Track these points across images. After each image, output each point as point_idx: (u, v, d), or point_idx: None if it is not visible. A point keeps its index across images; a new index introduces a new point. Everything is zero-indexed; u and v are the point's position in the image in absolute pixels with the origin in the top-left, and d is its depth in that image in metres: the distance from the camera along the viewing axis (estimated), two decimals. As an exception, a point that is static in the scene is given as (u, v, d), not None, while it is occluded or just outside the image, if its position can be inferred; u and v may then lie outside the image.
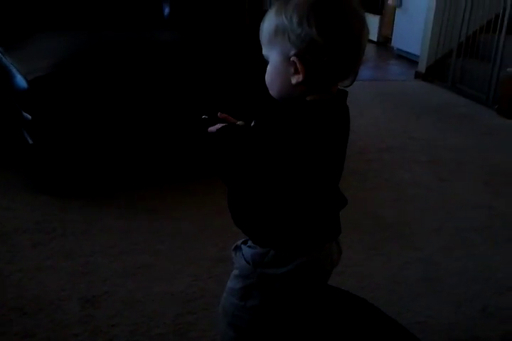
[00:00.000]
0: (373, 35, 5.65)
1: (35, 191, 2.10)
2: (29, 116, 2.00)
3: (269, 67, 0.92)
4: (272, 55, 0.90)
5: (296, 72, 0.87)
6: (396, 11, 5.22)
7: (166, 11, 3.00)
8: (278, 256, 0.96)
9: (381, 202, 2.21)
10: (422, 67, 4.33)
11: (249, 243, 1.00)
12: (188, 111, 2.21)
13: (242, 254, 1.00)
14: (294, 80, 0.88)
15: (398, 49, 5.18)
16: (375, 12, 5.64)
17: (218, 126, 0.99)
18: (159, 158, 2.25)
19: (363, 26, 0.88)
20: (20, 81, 2.00)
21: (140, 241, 1.81)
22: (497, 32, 3.60)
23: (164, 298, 1.52)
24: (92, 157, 2.13)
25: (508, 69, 3.40)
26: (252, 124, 0.97)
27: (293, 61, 0.87)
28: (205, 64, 2.27)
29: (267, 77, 0.93)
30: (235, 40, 2.83)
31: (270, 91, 0.94)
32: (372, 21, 5.67)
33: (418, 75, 4.34)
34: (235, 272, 1.02)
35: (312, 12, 0.84)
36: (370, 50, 5.47)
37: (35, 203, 2.03)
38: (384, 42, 5.59)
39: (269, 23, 0.89)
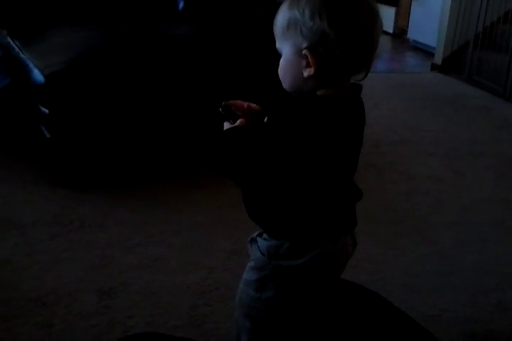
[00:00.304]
0: (389, 27, 5.61)
1: (52, 184, 2.12)
2: (46, 111, 2.02)
3: (282, 61, 0.93)
4: (285, 49, 0.91)
5: (308, 65, 0.88)
6: (412, 3, 5.17)
7: (181, 4, 3.00)
8: (293, 249, 0.97)
9: (396, 195, 2.21)
10: (438, 59, 4.30)
11: (265, 235, 1.01)
12: (204, 104, 2.22)
13: (258, 246, 1.01)
14: (305, 73, 0.88)
15: (414, 40, 5.14)
16: (391, 3, 5.59)
17: (225, 126, 0.99)
18: (174, 151, 2.27)
19: (375, 19, 0.88)
20: (38, 75, 2.02)
21: (155, 234, 1.83)
22: (515, 23, 3.56)
23: (180, 290, 1.54)
24: (109, 151, 2.15)
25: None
26: (265, 120, 0.97)
27: (305, 54, 0.87)
28: (220, 58, 2.27)
29: (280, 70, 0.94)
30: (250, 34, 2.83)
31: (283, 85, 0.95)
32: (388, 13, 5.62)
33: (434, 67, 4.30)
34: (251, 264, 1.03)
35: (324, 5, 0.85)
36: (385, 42, 5.43)
37: (52, 196, 2.06)
38: (400, 33, 5.54)
39: (282, 17, 0.90)
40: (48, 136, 2.05)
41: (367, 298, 1.35)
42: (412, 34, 5.17)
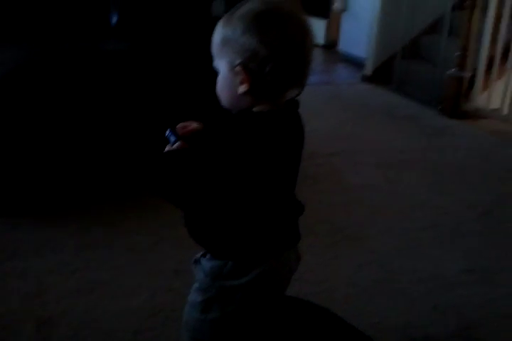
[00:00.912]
0: (320, 39, 5.74)
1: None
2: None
3: (219, 78, 0.94)
4: (221, 66, 0.92)
5: (242, 81, 0.89)
6: (342, 15, 5.32)
7: (114, 19, 2.96)
8: (236, 268, 0.97)
9: (333, 205, 2.26)
10: (368, 70, 4.43)
11: (208, 256, 1.01)
12: (140, 122, 2.21)
13: (202, 267, 1.01)
14: (240, 90, 0.90)
15: (345, 52, 5.28)
16: (321, 15, 5.73)
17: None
18: (109, 173, 2.23)
19: (306, 34, 0.91)
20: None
21: (95, 258, 1.79)
22: (439, 34, 3.72)
23: (123, 314, 1.51)
24: (41, 174, 2.09)
25: (449, 71, 3.51)
26: (198, 140, 0.97)
27: (238, 71, 0.88)
28: (155, 74, 2.26)
29: (218, 88, 0.95)
30: (185, 48, 2.83)
31: (221, 102, 0.96)
32: (319, 25, 5.75)
33: (365, 78, 4.43)
34: (195, 285, 1.03)
35: (255, 22, 0.87)
36: (317, 54, 5.54)
37: (-17, 223, 1.98)
38: (331, 45, 5.68)
39: (217, 34, 0.91)
40: (-24, 160, 1.98)
41: (315, 314, 1.37)
42: (343, 46, 5.31)
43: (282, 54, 0.88)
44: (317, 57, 5.45)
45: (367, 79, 4.40)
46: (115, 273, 1.71)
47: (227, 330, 1.02)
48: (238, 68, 0.88)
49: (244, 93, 0.90)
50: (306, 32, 0.91)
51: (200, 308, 1.01)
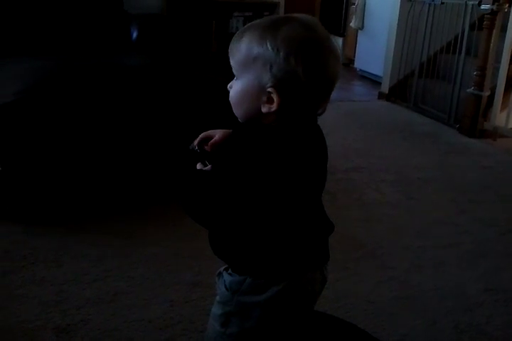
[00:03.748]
0: (336, 57, 5.77)
1: (4, 218, 2.06)
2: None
3: (238, 86, 0.92)
4: (245, 78, 0.90)
5: (269, 101, 0.88)
6: (358, 33, 5.36)
7: (134, 35, 3.01)
8: (254, 284, 0.96)
9: (352, 221, 2.25)
10: (384, 88, 4.44)
11: (230, 270, 1.00)
12: (160, 135, 2.22)
13: (224, 281, 1.00)
14: (265, 109, 0.89)
15: (361, 70, 5.30)
16: (338, 34, 5.78)
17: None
18: (130, 182, 2.24)
19: (339, 67, 0.92)
20: (-13, 107, 1.97)
21: (113, 268, 1.79)
22: (456, 53, 3.73)
23: (141, 325, 1.51)
24: (62, 183, 2.11)
25: (468, 90, 3.51)
26: (220, 158, 0.97)
27: (270, 91, 0.88)
28: (176, 88, 2.28)
29: (234, 96, 0.93)
30: (203, 62, 2.86)
31: (234, 110, 0.95)
32: (336, 43, 5.79)
33: (381, 96, 4.44)
34: (217, 298, 1.02)
35: (300, 50, 0.86)
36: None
37: (3, 231, 1.99)
38: (347, 63, 5.72)
39: (249, 47, 0.88)
40: (-1, 168, 2.00)
41: (339, 328, 1.35)
42: (359, 64, 5.34)
43: (319, 84, 0.89)
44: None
45: (383, 96, 4.42)
46: (134, 284, 1.70)
47: None
48: (271, 89, 0.87)
49: (269, 113, 0.89)
50: (339, 64, 0.93)
51: (219, 321, 1.00)
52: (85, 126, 2.08)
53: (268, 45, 0.86)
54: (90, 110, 2.09)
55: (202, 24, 3.97)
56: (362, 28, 5.26)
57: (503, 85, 3.45)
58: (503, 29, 3.40)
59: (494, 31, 3.37)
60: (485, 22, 3.41)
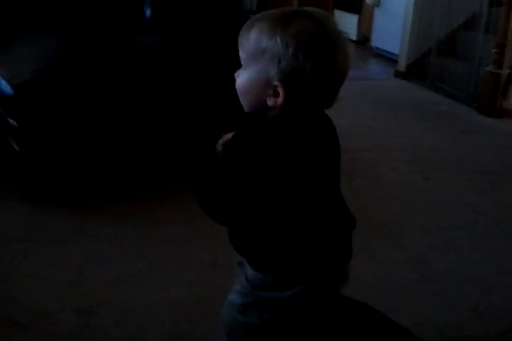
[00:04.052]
0: (352, 34, 5.68)
1: (23, 199, 2.07)
2: (15, 123, 1.98)
3: (244, 77, 0.92)
4: (252, 69, 0.90)
5: (275, 95, 0.88)
6: (375, 10, 5.26)
7: (148, 13, 2.98)
8: (277, 282, 0.95)
9: (368, 201, 2.24)
10: (401, 66, 4.38)
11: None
12: (175, 115, 2.21)
13: (246, 272, 0.99)
14: (270, 102, 0.89)
15: (377, 48, 5.22)
16: (353, 11, 5.68)
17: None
18: (147, 163, 2.24)
19: (349, 64, 0.91)
20: (5, 87, 1.97)
21: (131, 249, 1.80)
22: (475, 30, 3.66)
23: (160, 306, 1.52)
24: (80, 163, 2.11)
25: (487, 68, 3.45)
26: (221, 150, 0.97)
27: (276, 85, 0.87)
28: (190, 67, 2.26)
29: (240, 86, 0.93)
30: (217, 42, 2.83)
31: (240, 99, 0.94)
32: (351, 20, 5.70)
33: (398, 74, 4.38)
34: (236, 287, 1.01)
35: (310, 46, 0.85)
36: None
37: (24, 211, 2.00)
38: (363, 41, 5.63)
39: (258, 39, 0.88)
40: (17, 149, 2.00)
41: (354, 309, 1.35)
42: (376, 41, 5.25)
43: (327, 81, 0.88)
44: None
45: (400, 75, 4.35)
46: (152, 265, 1.72)
47: (262, 335, 1.01)
48: (277, 83, 0.87)
49: (274, 106, 0.89)
50: (349, 61, 0.91)
51: (238, 309, 1.01)
52: (101, 105, 2.07)
53: (278, 39, 0.85)
54: (105, 88, 2.08)
55: (216, 2, 3.92)
56: (378, 4, 5.15)
57: (523, 63, 3.38)
58: (524, 5, 3.31)
59: (514, 7, 3.28)
60: (505, -2, 3.33)
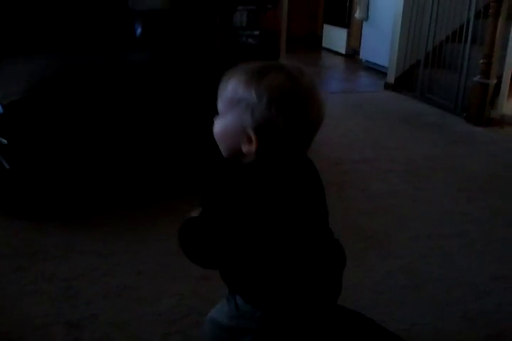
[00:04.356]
0: (342, 48, 5.75)
1: (13, 216, 2.08)
2: (5, 141, 1.99)
3: (221, 124, 0.96)
4: (228, 117, 0.94)
5: (249, 142, 0.92)
6: (363, 24, 5.33)
7: (138, 31, 3.01)
8: (266, 316, 0.97)
9: (359, 212, 2.25)
10: (390, 78, 4.42)
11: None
12: (166, 130, 2.23)
13: (236, 300, 1.00)
14: (244, 149, 0.93)
15: (366, 61, 5.28)
16: (342, 25, 5.76)
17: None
18: (137, 178, 2.25)
19: (323, 113, 0.95)
20: (-5, 106, 1.99)
21: (122, 263, 1.80)
22: (462, 42, 3.71)
23: (151, 318, 1.52)
24: (71, 180, 2.12)
25: (475, 79, 3.49)
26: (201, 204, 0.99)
27: (249, 133, 0.91)
28: (182, 83, 2.29)
29: (217, 133, 0.97)
30: (207, 58, 2.86)
31: (218, 145, 0.98)
32: (340, 34, 5.78)
33: (387, 86, 4.42)
34: (224, 308, 1.03)
35: (282, 100, 0.89)
36: (338, 63, 5.56)
37: (13, 228, 2.01)
38: (352, 54, 5.69)
39: (235, 89, 0.92)
40: (7, 166, 2.01)
41: (346, 317, 1.35)
42: (364, 54, 5.32)
43: (299, 130, 0.92)
44: (339, 65, 5.47)
45: (389, 86, 4.40)
46: (142, 278, 1.72)
47: None
48: (251, 131, 0.91)
49: (249, 152, 0.93)
50: (321, 107, 0.94)
51: (223, 329, 1.03)
52: (92, 123, 2.09)
53: (253, 91, 0.89)
54: (97, 106, 2.10)
55: (206, 19, 3.97)
56: (366, 18, 5.22)
57: (510, 73, 3.42)
58: (509, 16, 3.37)
59: (500, 19, 3.33)
60: (490, 10, 3.38)
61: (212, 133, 0.99)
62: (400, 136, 3.28)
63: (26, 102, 1.98)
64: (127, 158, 2.20)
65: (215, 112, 0.99)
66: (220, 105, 0.96)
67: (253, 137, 0.91)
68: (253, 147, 0.91)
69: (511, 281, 1.78)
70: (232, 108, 0.92)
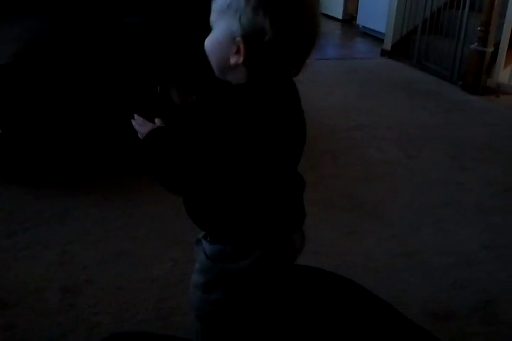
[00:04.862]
0: (338, 13, 5.65)
1: (6, 181, 2.07)
2: (-4, 105, 1.96)
3: (211, 36, 0.90)
4: (218, 27, 0.88)
5: (237, 52, 0.86)
6: (360, -12, 5.22)
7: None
8: (236, 252, 0.94)
9: (353, 180, 2.25)
10: (387, 45, 4.36)
11: (209, 238, 0.97)
12: (158, 93, 2.20)
13: (203, 249, 0.97)
14: (233, 60, 0.86)
15: (363, 27, 5.19)
16: (339, -11, 5.63)
17: (146, 127, 0.96)
18: (133, 143, 2.23)
19: (317, 24, 0.88)
20: (-16, 69, 1.95)
21: (116, 228, 1.81)
22: (460, 8, 3.65)
23: (145, 283, 1.53)
24: (63, 145, 2.10)
25: (472, 46, 3.45)
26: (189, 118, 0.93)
27: (237, 41, 0.85)
28: (174, 47, 2.24)
29: (207, 45, 0.91)
30: (201, 22, 2.81)
31: (209, 60, 0.92)
32: (337, -1, 5.66)
33: (384, 53, 4.37)
34: (197, 266, 1.00)
35: (270, 2, 0.83)
36: (335, 28, 5.47)
37: (6, 193, 2.00)
38: (349, 19, 5.59)
39: None
40: (-1, 131, 1.99)
41: (337, 284, 1.36)
42: (361, 20, 5.22)
43: (290, 41, 0.85)
44: (335, 31, 5.38)
45: (386, 53, 4.34)
46: (137, 244, 1.73)
47: (231, 310, 1.00)
48: (238, 39, 0.85)
49: (236, 64, 0.87)
50: (316, 16, 0.89)
51: (202, 289, 0.99)
52: (84, 86, 2.06)
53: None
54: (89, 69, 2.06)
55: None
56: (364, -18, 5.11)
57: (507, 41, 3.38)
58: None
59: (500, -15, 3.28)
60: (490, -25, 3.31)
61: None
62: (395, 104, 3.26)
63: (17, 66, 1.95)
64: (120, 121, 2.17)
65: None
66: (212, 18, 0.90)
67: (241, 46, 0.84)
68: (241, 58, 0.85)
69: (501, 250, 1.80)
70: (222, 16, 0.87)
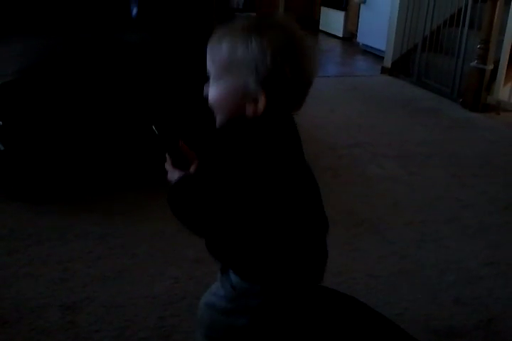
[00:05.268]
0: (339, 31, 5.71)
1: (8, 198, 2.07)
2: (0, 122, 1.97)
3: (219, 89, 0.91)
4: (226, 80, 0.89)
5: (255, 103, 0.88)
6: (361, 7, 5.28)
7: (134, 11, 2.97)
8: (265, 291, 0.96)
9: (354, 197, 2.25)
10: (387, 62, 4.40)
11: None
12: (159, 111, 2.22)
13: (230, 279, 0.98)
14: (250, 110, 0.89)
15: (364, 44, 5.24)
16: (339, 8, 5.71)
17: (174, 175, 0.98)
18: (131, 161, 2.24)
19: (316, 64, 0.93)
20: (-12, 87, 1.97)
21: (117, 246, 1.81)
22: (460, 26, 3.68)
23: (146, 301, 1.53)
24: (65, 162, 2.11)
25: (471, 64, 3.48)
26: (199, 164, 0.96)
27: (255, 93, 0.87)
28: (175, 65, 2.27)
29: (216, 98, 0.92)
30: (203, 40, 2.84)
31: (216, 112, 0.94)
32: (338, 17, 5.73)
33: (384, 70, 4.40)
34: (220, 292, 1.00)
35: (286, 49, 0.87)
36: (335, 46, 5.53)
37: (8, 210, 2.00)
38: (349, 37, 5.65)
39: (232, 51, 0.88)
40: (1, 148, 2.00)
41: (340, 301, 1.36)
42: (362, 38, 5.28)
43: (302, 79, 0.90)
44: (336, 48, 5.44)
45: (386, 71, 4.38)
46: (138, 261, 1.72)
47: (255, 333, 1.01)
48: (256, 88, 0.87)
49: (254, 112, 0.89)
50: (317, 60, 0.94)
51: (222, 312, 1.01)
52: (86, 104, 2.07)
53: (254, 46, 0.86)
54: (90, 87, 2.08)
55: (202, 0, 3.92)
56: (364, 1, 5.18)
57: (507, 59, 3.41)
58: (507, 1, 3.34)
59: (498, 3, 3.31)
60: (489, -6, 3.35)
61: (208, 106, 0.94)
62: (396, 121, 3.28)
63: (21, 83, 1.97)
64: (121, 138, 2.19)
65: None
66: (213, 69, 0.91)
67: (261, 96, 0.87)
68: (261, 106, 0.88)
69: (503, 267, 1.80)
70: (230, 70, 0.88)
